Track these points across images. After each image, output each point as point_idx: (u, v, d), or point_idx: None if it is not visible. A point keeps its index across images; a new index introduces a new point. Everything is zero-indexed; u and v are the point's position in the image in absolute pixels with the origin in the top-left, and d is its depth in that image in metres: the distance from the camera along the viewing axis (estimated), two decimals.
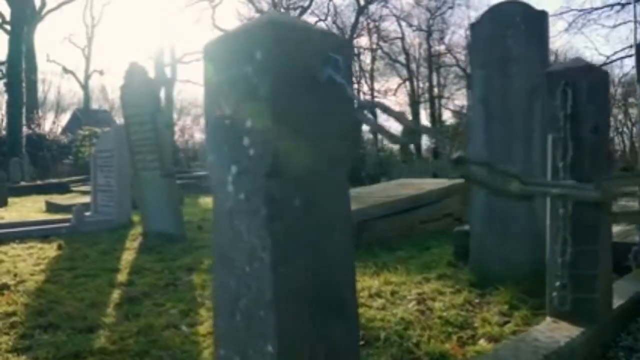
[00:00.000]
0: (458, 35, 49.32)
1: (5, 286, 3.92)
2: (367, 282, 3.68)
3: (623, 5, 22.66)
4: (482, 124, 3.57)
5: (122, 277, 4.23)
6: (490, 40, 3.54)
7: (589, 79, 2.06)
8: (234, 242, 1.09)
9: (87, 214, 7.19)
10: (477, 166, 1.20)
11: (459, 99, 40.94)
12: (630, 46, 23.14)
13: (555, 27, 67.48)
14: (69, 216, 7.48)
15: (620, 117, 37.44)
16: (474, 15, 53.11)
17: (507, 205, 3.46)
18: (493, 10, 3.52)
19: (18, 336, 2.94)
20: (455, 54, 38.69)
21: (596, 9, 23.46)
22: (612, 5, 23.02)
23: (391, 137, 1.09)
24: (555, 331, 1.96)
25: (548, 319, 2.17)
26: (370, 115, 1.07)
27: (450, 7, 36.48)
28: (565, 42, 47.21)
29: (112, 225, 6.70)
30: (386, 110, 1.04)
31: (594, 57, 35.34)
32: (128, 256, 5.06)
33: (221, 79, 1.12)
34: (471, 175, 1.18)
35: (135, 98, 5.87)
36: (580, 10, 24.51)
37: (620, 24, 24.97)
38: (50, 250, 5.40)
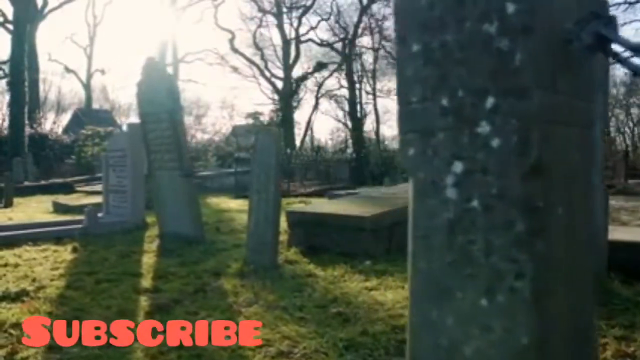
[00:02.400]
0: None
1: (25, 292, 3.69)
2: None
3: (630, 4, 22.49)
4: None
5: (146, 282, 4.01)
6: None
7: None
8: (456, 266, 0.81)
9: (99, 214, 6.95)
10: None
11: None
12: None
13: None
14: (79, 217, 7.24)
15: (622, 117, 37.30)
16: None
17: None
18: None
19: (46, 349, 2.72)
20: None
21: None
22: (618, 4, 22.84)
23: None
24: None
25: None
26: None
27: None
28: None
29: (126, 227, 6.47)
30: None
31: None
32: (148, 259, 4.84)
33: (433, 42, 0.84)
34: None
35: (152, 95, 5.64)
36: None
37: (625, 24, 24.74)
38: (65, 253, 5.17)
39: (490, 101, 0.80)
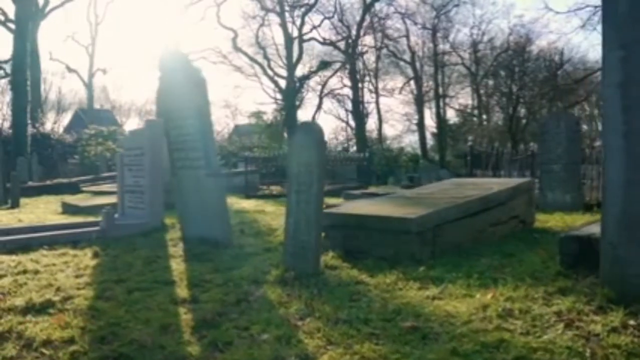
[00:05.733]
0: (462, 33, 48.88)
1: (51, 303, 3.35)
2: (481, 297, 3.14)
3: None
4: (620, 115, 3.03)
5: (182, 291, 3.67)
6: (631, 16, 3.00)
7: None
8: None
9: (115, 216, 6.61)
10: None
11: (464, 97, 40.59)
12: None
13: (571, 24, 67.20)
14: (92, 219, 6.91)
15: None
16: (479, 13, 52.46)
17: None
18: None
19: None
20: (459, 52, 38.15)
21: None
22: None
23: None
24: None
25: None
26: None
27: (456, 5, 35.89)
28: (566, 41, 46.41)
29: (145, 229, 6.11)
30: None
31: None
32: (177, 265, 4.50)
33: None
34: None
35: (176, 89, 5.30)
36: (596, 7, 24.02)
37: None
38: (86, 257, 4.83)
39: None
